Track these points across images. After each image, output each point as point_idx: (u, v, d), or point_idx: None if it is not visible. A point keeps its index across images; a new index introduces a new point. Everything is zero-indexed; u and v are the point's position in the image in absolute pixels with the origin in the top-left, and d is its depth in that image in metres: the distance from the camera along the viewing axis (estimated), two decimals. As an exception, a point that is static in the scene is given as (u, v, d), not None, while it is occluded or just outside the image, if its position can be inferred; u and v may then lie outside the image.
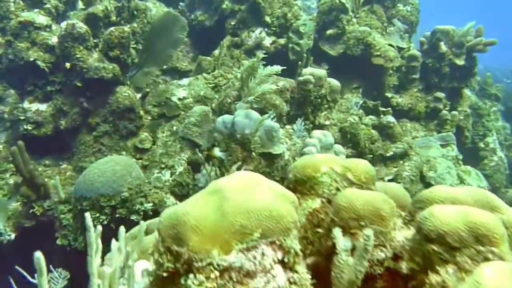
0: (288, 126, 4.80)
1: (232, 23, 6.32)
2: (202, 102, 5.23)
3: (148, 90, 5.27)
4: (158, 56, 5.69)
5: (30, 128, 4.65)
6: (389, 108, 5.65)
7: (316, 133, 4.31)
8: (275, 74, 4.58)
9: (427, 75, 6.38)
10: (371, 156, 5.37)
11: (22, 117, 4.65)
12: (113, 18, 4.81)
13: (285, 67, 4.63)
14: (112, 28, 4.62)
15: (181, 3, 7.08)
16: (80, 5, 5.60)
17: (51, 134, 4.73)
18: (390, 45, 6.17)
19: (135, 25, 4.95)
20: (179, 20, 5.85)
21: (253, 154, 4.01)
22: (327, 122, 5.00)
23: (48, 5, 4.83)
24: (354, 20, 6.35)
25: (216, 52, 6.15)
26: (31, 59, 4.54)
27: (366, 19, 6.48)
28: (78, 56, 4.46)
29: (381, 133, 5.62)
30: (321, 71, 4.70)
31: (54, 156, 4.96)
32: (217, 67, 5.93)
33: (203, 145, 4.90)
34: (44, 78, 4.68)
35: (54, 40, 4.66)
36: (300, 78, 4.58)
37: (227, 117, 4.29)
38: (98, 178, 4.11)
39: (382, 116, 5.77)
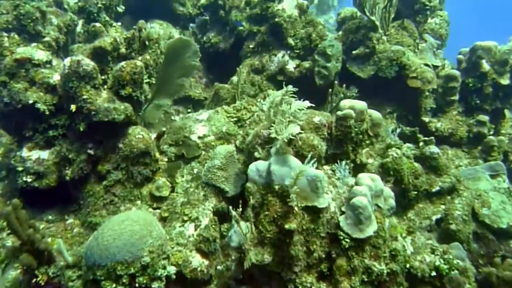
0: (326, 167, 4.24)
1: (251, 46, 5.79)
2: (225, 139, 4.67)
3: (164, 129, 4.70)
4: (170, 86, 5.15)
5: (30, 179, 4.08)
6: (432, 137, 5.10)
7: (363, 178, 3.75)
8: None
9: (467, 96, 5.84)
10: (415, 192, 4.81)
11: (20, 168, 4.08)
12: (123, 50, 4.25)
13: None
14: (123, 63, 4.07)
15: (191, 24, 6.55)
16: (79, 28, 5.08)
17: (54, 185, 4.16)
18: (426, 64, 5.64)
19: (148, 56, 4.40)
20: (191, 46, 5.32)
21: (295, 208, 3.44)
22: (370, 160, 4.45)
23: (47, 38, 4.28)
24: (384, 38, 5.81)
25: (235, 78, 5.60)
26: (30, 101, 3.97)
27: (396, 36, 5.95)
28: (85, 97, 3.90)
29: (424, 164, 5.06)
30: (362, 104, 4.15)
31: (58, 209, 4.39)
32: (237, 96, 5.38)
33: (230, 192, 4.34)
34: (45, 121, 4.11)
35: (56, 78, 4.10)
36: (339, 113, 4.03)
37: (261, 164, 3.72)
38: (114, 242, 3.54)
39: (422, 144, 5.22)
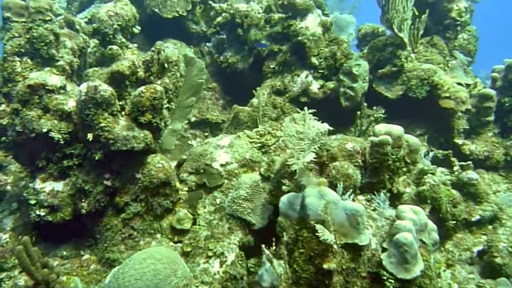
0: (360, 197, 3.99)
1: (272, 65, 5.59)
2: (248, 167, 4.43)
3: (184, 157, 4.49)
4: (180, 108, 4.97)
5: (43, 213, 3.86)
6: (469, 162, 4.84)
7: (406, 211, 3.49)
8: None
9: (503, 116, 5.59)
10: (454, 222, 4.53)
11: (33, 201, 3.86)
12: (141, 73, 4.06)
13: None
14: (142, 88, 3.88)
15: (207, 44, 6.37)
16: (90, 49, 4.91)
17: (70, 219, 3.94)
18: (459, 83, 5.40)
19: (167, 80, 4.20)
20: (195, 63, 5.17)
21: (334, 246, 3.19)
22: (408, 190, 4.19)
23: (61, 62, 4.11)
24: (413, 55, 5.60)
25: (255, 101, 5.39)
26: (44, 130, 3.77)
27: (426, 54, 5.74)
28: (102, 124, 3.69)
29: (461, 191, 4.79)
30: (399, 129, 3.91)
31: (73, 243, 4.16)
32: (258, 120, 5.16)
33: (257, 224, 4.10)
34: (59, 151, 3.91)
35: (70, 104, 3.91)
36: (375, 139, 3.79)
37: (293, 197, 3.48)
38: (136, 283, 3.30)
39: (457, 169, 4.96)
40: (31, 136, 3.79)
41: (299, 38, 5.33)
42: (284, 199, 3.52)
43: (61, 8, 7.58)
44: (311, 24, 5.47)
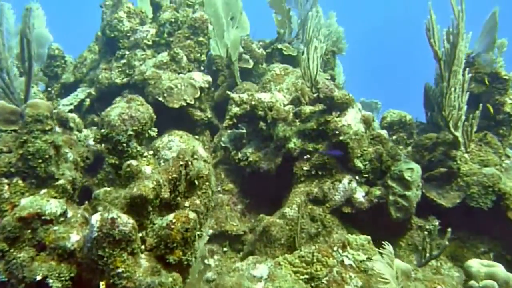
0: None
1: (305, 167, 4.92)
2: (296, 308, 3.61)
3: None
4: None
5: None
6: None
7: None
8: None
9: None
10: None
11: None
12: (166, 195, 3.31)
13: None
14: (171, 218, 3.09)
15: (223, 139, 5.71)
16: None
17: None
18: (527, 191, 4.84)
19: (197, 201, 3.45)
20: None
21: None
22: None
23: (61, 181, 3.32)
24: (466, 155, 5.06)
25: (288, 211, 4.64)
26: (38, 277, 2.91)
27: (479, 153, 5.20)
28: (120, 270, 2.85)
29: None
30: (503, 271, 3.20)
31: None
32: (297, 238, 4.40)
33: None
34: (56, 303, 3.02)
35: (74, 239, 3.07)
36: (475, 286, 3.07)
37: None
38: None
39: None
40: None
41: (341, 137, 4.72)
42: None
43: (40, 92, 6.93)
44: (352, 120, 4.89)
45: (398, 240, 4.87)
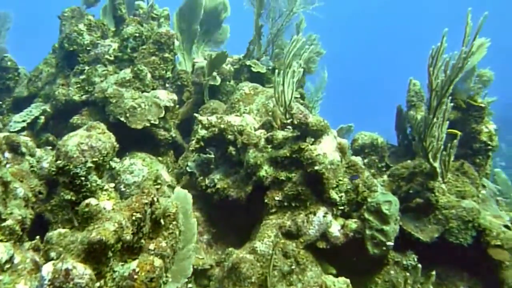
0: None
1: (278, 197, 4.69)
2: None
3: None
4: (175, 262, 3.89)
5: None
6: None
7: None
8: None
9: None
10: None
11: None
12: (128, 237, 2.99)
13: None
14: (134, 266, 2.78)
15: (189, 163, 5.41)
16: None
17: None
18: (506, 226, 4.76)
19: (163, 243, 3.15)
20: (188, 200, 4.25)
21: None
22: None
23: (9, 222, 2.95)
24: (443, 186, 4.96)
25: (259, 246, 4.38)
26: None
27: (457, 184, 5.09)
28: (72, 333, 2.53)
29: None
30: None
31: None
32: (269, 278, 4.14)
33: None
34: None
35: (20, 290, 2.73)
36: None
37: None
38: None
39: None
40: None
41: (316, 167, 4.51)
42: None
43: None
44: (327, 148, 4.69)
45: (374, 276, 4.68)
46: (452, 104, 4.66)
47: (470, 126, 5.50)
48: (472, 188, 5.11)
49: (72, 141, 3.35)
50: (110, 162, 3.61)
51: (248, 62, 7.45)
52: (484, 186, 5.43)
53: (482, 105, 5.52)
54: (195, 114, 5.51)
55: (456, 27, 4.62)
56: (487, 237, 4.55)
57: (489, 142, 5.46)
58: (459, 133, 5.21)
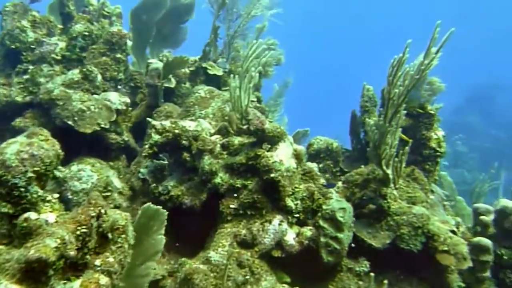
0: None
1: (233, 205, 4.57)
2: None
3: None
4: (130, 278, 3.69)
5: None
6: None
7: None
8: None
9: (497, 271, 5.11)
10: None
11: None
12: (72, 253, 2.78)
13: None
14: (76, 285, 2.60)
15: (141, 170, 5.19)
16: None
17: None
18: (453, 231, 4.84)
19: (111, 258, 2.95)
20: (159, 216, 4.05)
21: None
22: None
23: None
24: (395, 192, 4.99)
25: (213, 255, 4.25)
26: None
27: (407, 190, 5.14)
28: None
29: None
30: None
31: None
32: (223, 288, 4.01)
33: None
34: None
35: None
36: None
37: None
38: None
39: None
40: None
41: (272, 175, 4.43)
42: None
43: None
44: (283, 155, 4.62)
45: (328, 284, 4.65)
46: (405, 111, 4.69)
47: (421, 133, 5.58)
48: (422, 194, 5.19)
49: (11, 149, 3.09)
50: (54, 171, 3.35)
51: (204, 64, 7.28)
52: (432, 192, 5.54)
53: (432, 112, 5.61)
54: (148, 119, 5.31)
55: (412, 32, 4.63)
56: (435, 243, 4.64)
57: (438, 149, 5.57)
58: (410, 140, 5.28)
